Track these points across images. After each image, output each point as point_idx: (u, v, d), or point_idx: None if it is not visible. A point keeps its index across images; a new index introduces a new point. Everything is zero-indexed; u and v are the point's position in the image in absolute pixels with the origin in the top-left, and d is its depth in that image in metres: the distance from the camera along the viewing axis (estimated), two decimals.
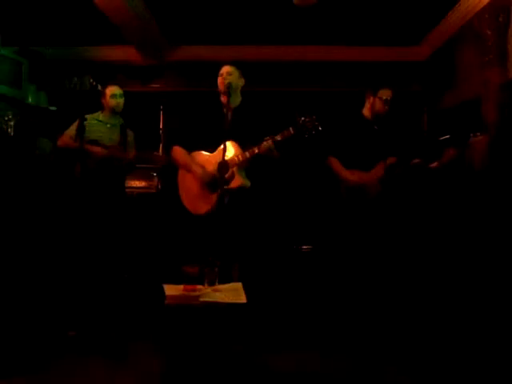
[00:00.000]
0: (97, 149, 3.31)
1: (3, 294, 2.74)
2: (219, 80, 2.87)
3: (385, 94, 3.14)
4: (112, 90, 3.44)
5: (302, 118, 2.65)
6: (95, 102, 3.45)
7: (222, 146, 2.69)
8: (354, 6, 3.83)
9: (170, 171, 3.16)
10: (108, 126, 3.45)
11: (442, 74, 4.38)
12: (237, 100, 2.91)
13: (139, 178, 4.34)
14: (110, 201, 3.31)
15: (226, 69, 2.87)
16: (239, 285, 2.21)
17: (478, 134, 2.88)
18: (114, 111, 3.47)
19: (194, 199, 2.85)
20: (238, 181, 2.76)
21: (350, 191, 3.10)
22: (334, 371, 2.34)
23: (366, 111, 3.25)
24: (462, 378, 2.25)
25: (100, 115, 3.48)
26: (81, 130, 2.94)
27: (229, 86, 2.76)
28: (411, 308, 2.97)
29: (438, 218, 3.47)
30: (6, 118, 3.72)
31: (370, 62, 4.75)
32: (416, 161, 3.06)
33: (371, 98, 3.19)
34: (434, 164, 3.01)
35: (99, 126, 3.41)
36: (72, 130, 3.29)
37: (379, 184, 3.10)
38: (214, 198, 2.74)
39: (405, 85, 4.69)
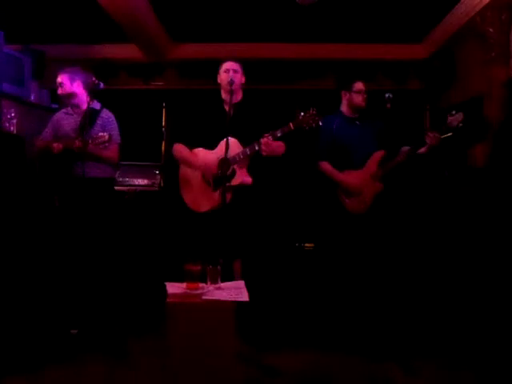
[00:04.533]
0: (54, 144, 3.05)
1: (4, 292, 2.74)
2: (223, 76, 2.85)
3: (359, 86, 3.13)
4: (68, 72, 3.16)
5: (302, 113, 2.65)
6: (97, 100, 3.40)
7: (223, 143, 2.69)
8: (356, 4, 3.82)
9: (171, 169, 3.16)
10: (76, 116, 3.18)
11: (444, 72, 4.37)
12: (238, 96, 2.91)
13: (142, 176, 4.36)
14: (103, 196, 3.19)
15: (231, 65, 2.85)
16: (242, 283, 2.22)
17: (454, 112, 2.84)
18: (76, 98, 3.18)
19: (196, 197, 2.86)
20: (239, 177, 2.76)
21: (347, 193, 3.09)
22: (336, 370, 2.34)
23: (344, 108, 3.21)
24: (462, 377, 2.26)
25: (70, 106, 3.24)
26: (83, 128, 2.94)
27: (233, 84, 2.75)
28: (413, 306, 2.98)
29: (438, 216, 3.47)
30: (9, 116, 3.73)
31: (371, 60, 4.74)
32: (405, 149, 3.05)
33: (347, 95, 3.17)
34: (422, 150, 3.00)
35: (68, 118, 3.22)
36: (46, 131, 3.24)
37: (377, 180, 3.07)
38: (216, 195, 2.74)
39: (407, 83, 4.69)
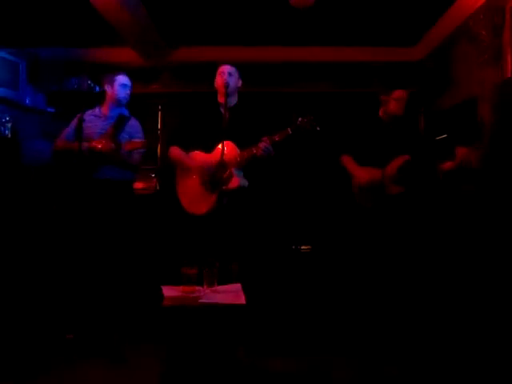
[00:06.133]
0: (93, 143, 2.99)
1: (1, 297, 2.73)
2: (218, 79, 2.86)
3: (398, 94, 3.18)
4: (123, 79, 3.19)
5: (300, 119, 2.66)
6: (93, 103, 3.37)
7: (219, 146, 2.69)
8: (351, 7, 3.84)
9: (167, 172, 3.16)
10: (104, 119, 3.13)
11: (439, 75, 4.40)
12: (234, 100, 2.92)
13: (137, 179, 4.35)
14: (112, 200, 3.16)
15: (226, 68, 2.85)
16: (238, 286, 2.22)
17: None
18: (118, 103, 3.17)
19: (193, 200, 2.86)
20: (236, 181, 2.76)
21: (362, 189, 3.10)
22: (334, 372, 2.35)
23: (382, 113, 3.27)
24: (462, 378, 2.26)
25: (98, 109, 3.19)
26: (79, 130, 2.92)
27: (228, 86, 2.76)
28: (411, 309, 2.98)
29: (434, 217, 3.48)
30: (4, 120, 3.72)
31: (366, 63, 4.76)
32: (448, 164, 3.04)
33: (385, 100, 3.22)
34: (448, 165, 3.00)
35: (96, 120, 3.14)
36: (69, 130, 3.13)
37: (391, 182, 3.08)
38: (212, 198, 2.74)
39: (401, 85, 4.70)
